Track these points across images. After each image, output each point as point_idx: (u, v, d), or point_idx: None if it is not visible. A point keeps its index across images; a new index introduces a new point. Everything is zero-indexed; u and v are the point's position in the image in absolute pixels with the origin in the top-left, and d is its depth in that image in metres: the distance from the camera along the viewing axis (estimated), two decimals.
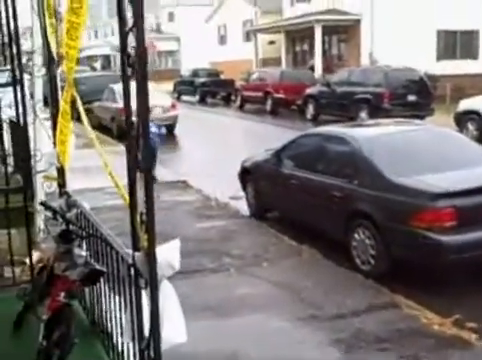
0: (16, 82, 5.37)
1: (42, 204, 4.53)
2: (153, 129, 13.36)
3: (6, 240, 6.21)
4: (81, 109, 3.79)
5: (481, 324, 5.65)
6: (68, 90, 3.89)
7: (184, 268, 7.23)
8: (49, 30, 4.19)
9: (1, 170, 6.46)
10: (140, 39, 2.48)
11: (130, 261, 3.11)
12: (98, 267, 3.88)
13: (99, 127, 19.01)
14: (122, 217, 8.87)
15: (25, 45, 6.86)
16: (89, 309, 5.02)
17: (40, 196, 6.33)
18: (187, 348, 5.15)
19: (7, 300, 4.96)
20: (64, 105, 4.03)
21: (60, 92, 4.49)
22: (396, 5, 28.39)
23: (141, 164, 2.71)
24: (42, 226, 6.32)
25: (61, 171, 4.94)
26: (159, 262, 2.92)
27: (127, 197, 2.97)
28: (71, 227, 4.08)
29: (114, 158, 13.21)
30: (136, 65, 2.53)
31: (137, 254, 3.02)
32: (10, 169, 6.87)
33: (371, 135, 8.00)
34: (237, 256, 7.58)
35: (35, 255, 5.83)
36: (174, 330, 3.05)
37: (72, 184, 9.25)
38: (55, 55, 4.40)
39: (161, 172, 13.59)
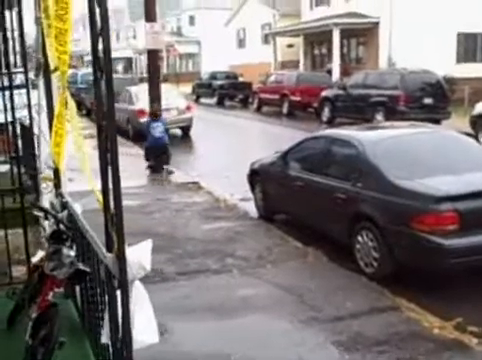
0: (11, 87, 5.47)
1: (32, 204, 4.61)
2: (161, 128, 13.65)
3: (14, 240, 6.35)
4: (72, 114, 3.85)
5: None
6: (62, 93, 3.96)
7: (187, 269, 7.42)
8: (46, 33, 4.26)
9: (14, 171, 6.56)
10: (106, 44, 2.57)
11: (105, 262, 3.16)
12: (82, 267, 3.94)
13: None
14: (131, 217, 9.03)
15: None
16: (80, 309, 5.09)
17: (47, 197, 6.43)
18: (186, 348, 5.24)
19: (2, 298, 5.04)
20: (60, 108, 4.10)
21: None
22: (415, 8, 28.21)
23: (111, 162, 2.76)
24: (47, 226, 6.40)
25: (56, 172, 5.02)
26: (130, 263, 2.95)
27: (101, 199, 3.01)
28: (62, 228, 4.16)
29: (128, 159, 13.37)
30: (103, 68, 2.60)
31: (109, 255, 3.06)
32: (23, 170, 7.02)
33: (376, 138, 7.99)
34: (241, 257, 7.61)
35: (40, 255, 5.91)
36: (145, 331, 3.09)
37: (81, 185, 9.41)
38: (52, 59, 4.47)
39: (175, 173, 13.74)
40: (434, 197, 6.40)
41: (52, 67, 4.32)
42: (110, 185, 2.88)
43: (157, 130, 13.88)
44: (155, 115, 13.99)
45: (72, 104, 3.77)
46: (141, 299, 3.07)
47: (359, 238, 7.19)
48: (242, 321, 5.84)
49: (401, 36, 29.18)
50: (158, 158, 13.92)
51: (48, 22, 4.06)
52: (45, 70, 4.80)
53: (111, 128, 2.83)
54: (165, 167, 13.93)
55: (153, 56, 14.30)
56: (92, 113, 24.11)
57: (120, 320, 3.07)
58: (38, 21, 4.68)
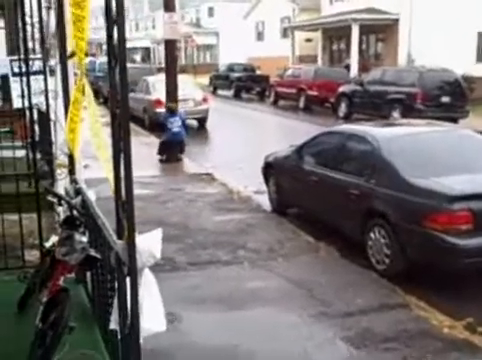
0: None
1: (47, 190, 4.64)
2: (178, 122, 13.72)
3: (28, 224, 6.41)
4: (90, 100, 3.86)
5: None
6: (80, 79, 3.97)
7: (198, 259, 7.45)
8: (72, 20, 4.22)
9: (30, 156, 6.61)
10: (121, 33, 2.57)
11: (116, 249, 3.17)
12: (93, 253, 3.96)
13: (131, 118, 19.24)
14: (143, 206, 9.08)
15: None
16: (91, 295, 5.13)
17: (63, 183, 6.47)
18: (194, 338, 5.26)
19: (14, 282, 5.08)
20: (76, 94, 4.11)
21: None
22: (435, 6, 27.96)
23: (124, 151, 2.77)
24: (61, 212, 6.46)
25: (71, 158, 5.04)
26: (140, 251, 2.96)
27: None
28: (75, 214, 4.18)
29: (143, 148, 13.43)
30: (118, 57, 2.60)
31: (119, 242, 3.08)
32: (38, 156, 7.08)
33: (391, 135, 7.94)
34: (253, 250, 7.62)
35: (52, 240, 5.96)
36: (153, 319, 3.10)
37: (96, 173, 9.45)
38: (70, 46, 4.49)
39: (188, 164, 13.77)
40: (448, 196, 6.35)
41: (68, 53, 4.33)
42: (122, 173, 2.90)
43: (175, 124, 13.94)
44: (171, 111, 14.03)
45: (89, 91, 3.78)
46: (150, 287, 3.09)
47: (371, 235, 7.16)
48: (251, 313, 5.84)
49: (421, 33, 28.94)
50: (173, 150, 13.99)
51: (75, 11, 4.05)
52: (61, 56, 4.82)
53: (124, 116, 2.84)
54: (179, 155, 14.08)
55: (171, 46, 14.30)
56: (109, 101, 24.17)
57: (129, 307, 3.08)
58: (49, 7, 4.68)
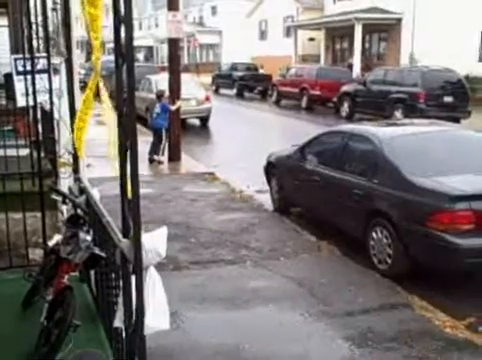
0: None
1: (51, 188, 4.66)
2: (158, 109, 13.45)
3: (32, 223, 6.43)
4: (105, 98, 3.88)
5: None
6: (94, 78, 3.99)
7: (201, 258, 7.46)
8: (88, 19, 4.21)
9: (34, 155, 6.63)
10: (129, 32, 2.59)
11: (121, 247, 3.19)
12: (97, 252, 3.99)
13: None
14: (146, 205, 9.11)
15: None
16: (95, 293, 5.16)
17: (66, 181, 6.49)
18: (196, 336, 5.29)
19: (19, 280, 5.11)
20: (88, 92, 4.12)
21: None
22: (438, 5, 27.97)
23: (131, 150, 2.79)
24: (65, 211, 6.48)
25: (75, 157, 5.07)
26: (145, 249, 2.99)
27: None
28: (79, 212, 4.21)
29: (145, 147, 13.27)
30: (126, 56, 2.63)
31: (124, 240, 3.10)
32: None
33: (393, 134, 7.94)
34: (255, 249, 7.65)
35: (56, 238, 5.98)
36: (157, 317, 3.13)
37: (100, 172, 9.49)
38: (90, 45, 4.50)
39: (190, 163, 13.78)
40: (450, 196, 6.36)
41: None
42: (128, 171, 2.92)
43: (154, 111, 14.01)
44: (158, 96, 13.96)
45: (104, 90, 3.83)
46: (155, 285, 3.11)
47: (373, 234, 7.18)
48: (252, 312, 5.87)
49: (424, 33, 28.95)
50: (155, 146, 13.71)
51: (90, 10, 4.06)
52: (67, 55, 4.84)
53: (131, 115, 2.86)
54: (155, 157, 13.66)
55: (174, 45, 14.29)
56: (115, 100, 24.14)
57: (134, 305, 3.11)
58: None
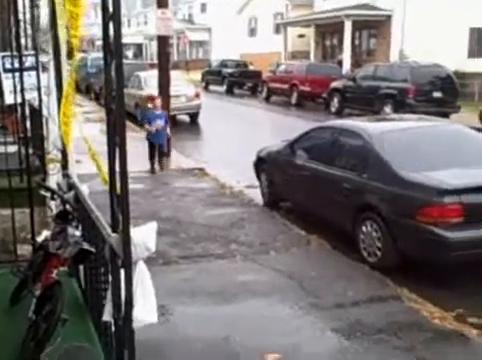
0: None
1: (39, 184, 4.65)
2: (161, 122, 12.30)
3: (20, 219, 6.41)
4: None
5: None
6: (72, 75, 4.01)
7: (191, 252, 7.45)
8: (66, 17, 4.20)
9: (22, 151, 6.61)
10: (117, 29, 2.59)
11: (110, 242, 3.19)
12: (86, 246, 3.98)
13: None
14: (136, 201, 9.08)
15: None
16: (84, 287, 5.15)
17: (54, 177, 6.48)
18: (185, 330, 5.28)
19: (7, 276, 5.10)
20: (68, 88, 4.14)
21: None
22: (428, 2, 28.04)
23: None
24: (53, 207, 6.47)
25: (64, 153, 5.06)
26: (134, 243, 2.99)
27: (107, 179, 3.05)
28: (68, 208, 4.20)
29: (134, 143, 13.13)
30: (114, 52, 2.63)
31: (114, 235, 3.10)
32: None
33: (383, 130, 7.96)
34: (245, 243, 7.65)
35: (44, 234, 5.97)
36: (145, 310, 3.13)
37: (90, 168, 9.43)
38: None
39: (180, 159, 13.76)
40: (439, 189, 6.40)
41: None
42: (117, 166, 2.92)
43: (154, 123, 12.26)
44: (151, 99, 13.30)
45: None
46: (143, 279, 3.11)
47: (363, 228, 7.21)
48: (242, 306, 5.87)
49: (413, 29, 29.02)
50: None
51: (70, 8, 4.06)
52: (55, 52, 4.82)
53: (120, 112, 2.86)
54: (155, 166, 12.43)
55: (163, 42, 14.25)
56: (100, 97, 24.09)
57: (123, 299, 3.11)
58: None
